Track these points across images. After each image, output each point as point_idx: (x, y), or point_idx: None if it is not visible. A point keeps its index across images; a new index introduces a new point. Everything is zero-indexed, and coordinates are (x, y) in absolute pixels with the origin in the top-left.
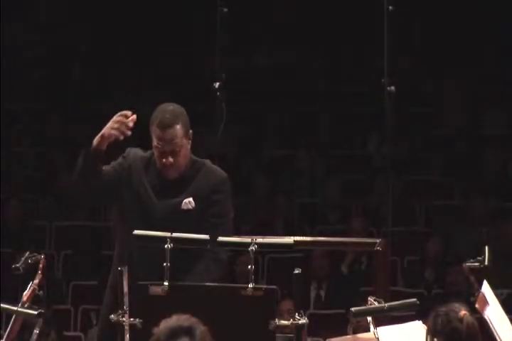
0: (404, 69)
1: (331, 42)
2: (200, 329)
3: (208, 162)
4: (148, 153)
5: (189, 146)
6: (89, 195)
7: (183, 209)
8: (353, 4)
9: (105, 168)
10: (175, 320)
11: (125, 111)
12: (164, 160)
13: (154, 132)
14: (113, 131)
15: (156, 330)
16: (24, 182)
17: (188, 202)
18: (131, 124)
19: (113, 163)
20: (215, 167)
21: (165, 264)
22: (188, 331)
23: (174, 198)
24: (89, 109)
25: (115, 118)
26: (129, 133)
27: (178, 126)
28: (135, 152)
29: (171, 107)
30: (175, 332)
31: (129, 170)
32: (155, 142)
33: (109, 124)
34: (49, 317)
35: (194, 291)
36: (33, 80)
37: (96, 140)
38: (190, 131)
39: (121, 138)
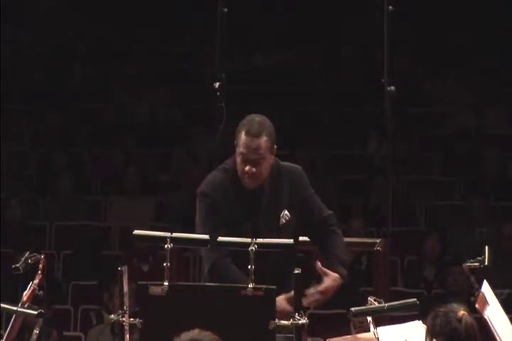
0: (404, 69)
1: (331, 42)
2: None
3: (278, 161)
4: (220, 172)
5: (271, 161)
6: None
7: (282, 225)
8: (353, 4)
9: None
10: (196, 334)
11: None
12: (247, 168)
13: (241, 139)
14: None
15: (176, 339)
16: (24, 182)
17: (285, 215)
18: None
19: (209, 216)
20: (286, 163)
21: (165, 264)
22: None
23: (270, 213)
24: (89, 109)
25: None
26: None
27: (265, 138)
28: (210, 184)
29: (259, 118)
30: None
31: (219, 202)
32: (240, 148)
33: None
34: (49, 317)
35: (194, 291)
36: (33, 80)
37: None
38: (275, 147)
39: None
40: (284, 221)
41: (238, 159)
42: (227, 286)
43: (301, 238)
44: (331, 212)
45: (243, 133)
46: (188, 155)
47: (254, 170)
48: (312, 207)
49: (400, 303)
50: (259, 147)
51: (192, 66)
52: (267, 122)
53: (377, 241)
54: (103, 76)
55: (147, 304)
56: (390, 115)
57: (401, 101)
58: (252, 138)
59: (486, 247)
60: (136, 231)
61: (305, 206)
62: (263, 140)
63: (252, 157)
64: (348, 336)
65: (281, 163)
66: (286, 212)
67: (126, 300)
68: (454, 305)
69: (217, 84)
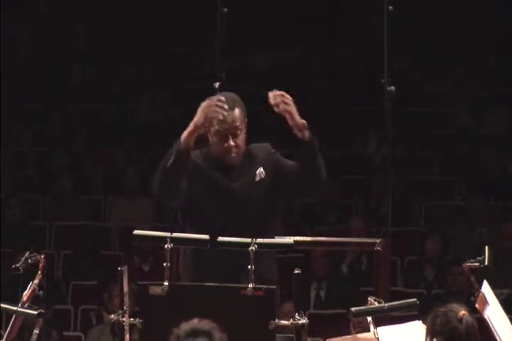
0: (404, 69)
1: (331, 42)
2: (219, 334)
3: (251, 145)
4: (196, 152)
5: (245, 134)
6: (177, 195)
7: (257, 181)
8: (353, 4)
9: None
10: (196, 323)
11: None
12: (226, 144)
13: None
14: (210, 114)
15: (175, 330)
16: (24, 182)
17: (261, 173)
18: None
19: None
20: (254, 144)
21: (164, 264)
22: (208, 334)
23: (245, 172)
24: (89, 109)
25: (205, 104)
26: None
27: (238, 111)
28: None
29: (228, 94)
30: (195, 332)
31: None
32: (216, 126)
33: (200, 112)
34: (49, 317)
35: (194, 291)
36: (33, 80)
37: (185, 136)
38: (246, 120)
39: (220, 117)
40: (259, 177)
41: (215, 139)
42: (227, 286)
43: (300, 238)
44: None
45: None
46: None
47: (233, 143)
48: (286, 162)
49: (400, 303)
50: (235, 119)
51: (192, 66)
52: (237, 97)
53: (377, 241)
54: (103, 76)
55: (147, 304)
56: (390, 115)
57: (401, 101)
58: (227, 112)
59: (486, 247)
60: (136, 231)
61: (279, 162)
62: (237, 112)
63: (230, 131)
64: (348, 336)
65: (250, 146)
66: (261, 169)
67: (126, 300)
68: (454, 305)
69: (217, 84)
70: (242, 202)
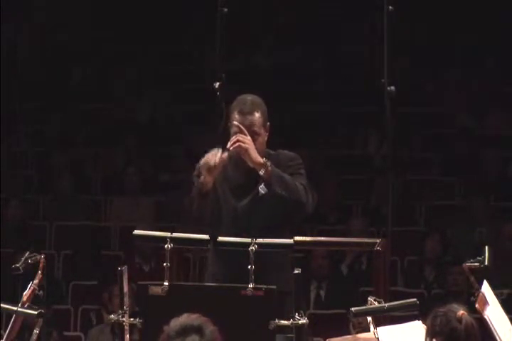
0: (404, 69)
1: (331, 42)
2: (210, 328)
3: (279, 150)
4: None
5: (266, 138)
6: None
7: (260, 196)
8: (353, 4)
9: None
10: (185, 318)
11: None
12: None
13: (234, 119)
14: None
15: (165, 328)
16: (24, 182)
17: (263, 187)
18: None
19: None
20: (284, 150)
21: (165, 264)
22: (199, 330)
23: (252, 191)
24: (89, 109)
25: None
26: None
27: (258, 114)
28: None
29: (250, 97)
30: (185, 330)
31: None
32: (235, 128)
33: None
34: (49, 317)
35: (194, 291)
36: (33, 80)
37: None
38: (268, 124)
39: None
40: (263, 192)
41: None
42: (227, 286)
43: (300, 238)
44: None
45: (236, 112)
46: (187, 155)
47: None
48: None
49: (400, 303)
50: (252, 124)
51: (192, 66)
52: (259, 100)
53: (377, 241)
54: (103, 76)
55: (147, 304)
56: (390, 115)
57: (401, 101)
58: (245, 115)
59: (486, 247)
60: (136, 231)
61: None
62: (256, 116)
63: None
64: (348, 336)
65: (280, 150)
66: (263, 184)
67: (126, 300)
68: (454, 305)
69: (217, 84)
70: (246, 220)
